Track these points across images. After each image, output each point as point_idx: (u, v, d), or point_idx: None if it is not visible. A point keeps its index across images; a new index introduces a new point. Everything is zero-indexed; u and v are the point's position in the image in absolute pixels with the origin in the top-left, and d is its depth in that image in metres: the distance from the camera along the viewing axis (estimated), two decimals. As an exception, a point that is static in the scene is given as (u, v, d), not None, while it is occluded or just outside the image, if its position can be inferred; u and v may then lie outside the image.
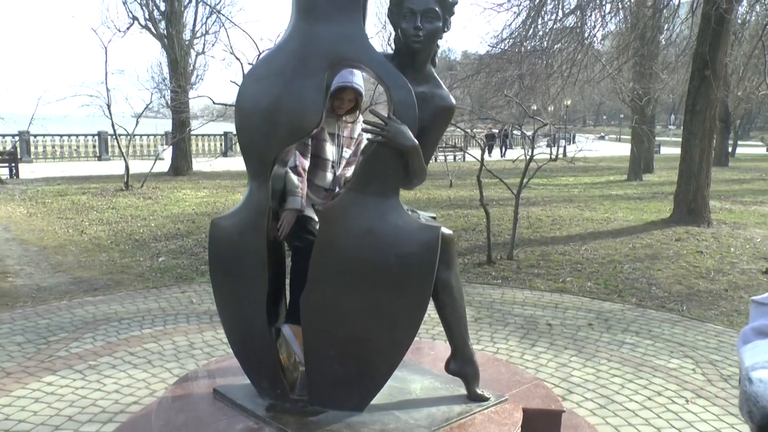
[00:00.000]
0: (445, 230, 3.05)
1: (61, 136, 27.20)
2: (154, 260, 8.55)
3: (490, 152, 35.78)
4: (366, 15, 2.92)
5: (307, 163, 3.33)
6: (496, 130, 31.93)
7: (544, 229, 11.38)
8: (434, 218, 3.27)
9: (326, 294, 2.94)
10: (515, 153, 24.07)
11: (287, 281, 3.38)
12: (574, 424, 3.86)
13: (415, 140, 2.80)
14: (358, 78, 3.33)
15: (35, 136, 25.48)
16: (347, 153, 3.58)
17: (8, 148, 21.40)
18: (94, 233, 10.49)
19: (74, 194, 15.43)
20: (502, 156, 33.14)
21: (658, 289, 7.39)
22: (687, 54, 14.86)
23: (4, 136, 22.54)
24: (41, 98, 19.93)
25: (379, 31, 26.84)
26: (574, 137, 48.81)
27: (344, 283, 2.91)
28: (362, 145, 3.62)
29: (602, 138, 65.62)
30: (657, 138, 32.71)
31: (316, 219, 3.30)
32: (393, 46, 3.05)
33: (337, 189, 3.55)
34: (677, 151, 13.54)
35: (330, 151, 3.45)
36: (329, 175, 3.46)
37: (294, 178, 3.24)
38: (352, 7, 2.82)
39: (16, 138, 23.89)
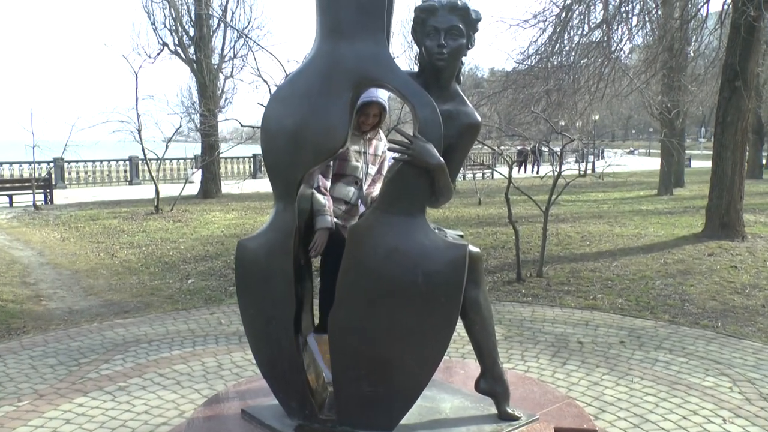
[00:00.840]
0: (472, 248, 3.03)
1: (93, 161, 27.71)
2: (183, 282, 8.62)
3: (521, 168, 35.70)
4: (390, 34, 2.93)
5: (328, 183, 3.35)
6: (528, 147, 31.82)
7: (574, 245, 11.25)
8: (461, 236, 3.25)
9: (353, 313, 2.93)
10: (543, 169, 23.98)
11: (314, 302, 3.38)
12: (608, 444, 3.79)
13: (441, 158, 2.80)
14: (383, 93, 3.34)
15: (69, 162, 26.02)
16: (372, 170, 3.58)
17: (43, 174, 21.87)
18: (125, 256, 10.63)
19: (106, 218, 15.67)
20: (532, 172, 32.94)
21: (691, 305, 7.24)
22: (716, 65, 14.68)
23: (39, 163, 23.04)
24: (74, 125, 20.39)
25: (405, 51, 27.07)
26: (602, 152, 48.39)
27: (371, 303, 2.90)
28: (386, 163, 3.63)
29: (631, 153, 64.98)
30: (687, 151, 32.33)
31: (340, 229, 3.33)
32: (418, 65, 3.05)
33: (363, 208, 3.54)
34: (708, 164, 13.35)
35: (354, 167, 3.44)
36: (351, 189, 3.45)
37: (320, 197, 3.26)
38: (376, 27, 2.84)
39: (51, 165, 24.41)
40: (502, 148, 15.28)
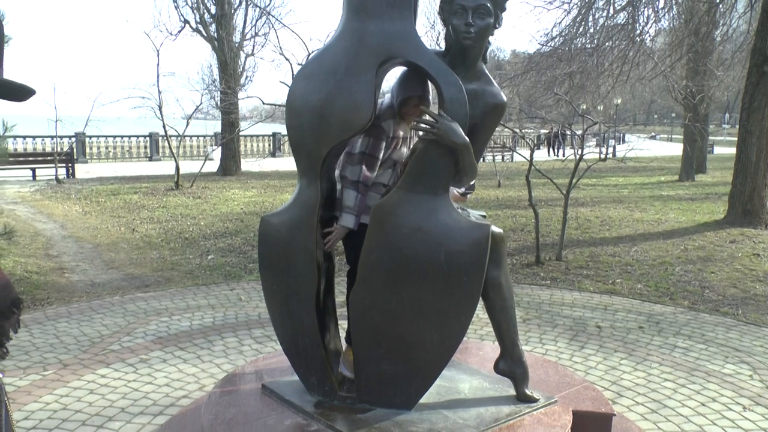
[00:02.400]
0: (495, 229, 3.02)
1: (114, 137, 27.85)
2: (203, 258, 8.70)
3: (550, 151, 35.50)
4: (417, 12, 2.91)
5: (372, 178, 3.19)
6: (555, 129, 31.57)
7: (593, 229, 11.19)
8: (484, 217, 3.24)
9: (375, 292, 2.94)
10: (565, 153, 23.88)
11: (336, 279, 3.39)
12: (624, 428, 3.78)
13: (466, 137, 2.79)
14: (428, 86, 3.20)
15: (90, 137, 26.22)
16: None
17: (65, 149, 22.06)
18: (146, 231, 10.73)
19: (126, 193, 15.80)
20: (557, 156, 32.69)
21: (711, 292, 7.19)
22: (744, 50, 14.41)
23: (61, 137, 23.22)
24: (96, 100, 20.52)
25: (427, 31, 26.79)
26: (624, 137, 47.86)
27: (393, 281, 2.91)
28: None
29: (653, 137, 64.21)
30: (710, 137, 31.86)
31: None
32: (440, 45, 3.01)
33: None
34: (731, 150, 13.18)
35: (400, 154, 3.32)
36: (389, 172, 3.31)
37: (352, 195, 3.10)
38: (403, 4, 2.82)
39: (73, 139, 24.61)
40: (525, 131, 15.14)
